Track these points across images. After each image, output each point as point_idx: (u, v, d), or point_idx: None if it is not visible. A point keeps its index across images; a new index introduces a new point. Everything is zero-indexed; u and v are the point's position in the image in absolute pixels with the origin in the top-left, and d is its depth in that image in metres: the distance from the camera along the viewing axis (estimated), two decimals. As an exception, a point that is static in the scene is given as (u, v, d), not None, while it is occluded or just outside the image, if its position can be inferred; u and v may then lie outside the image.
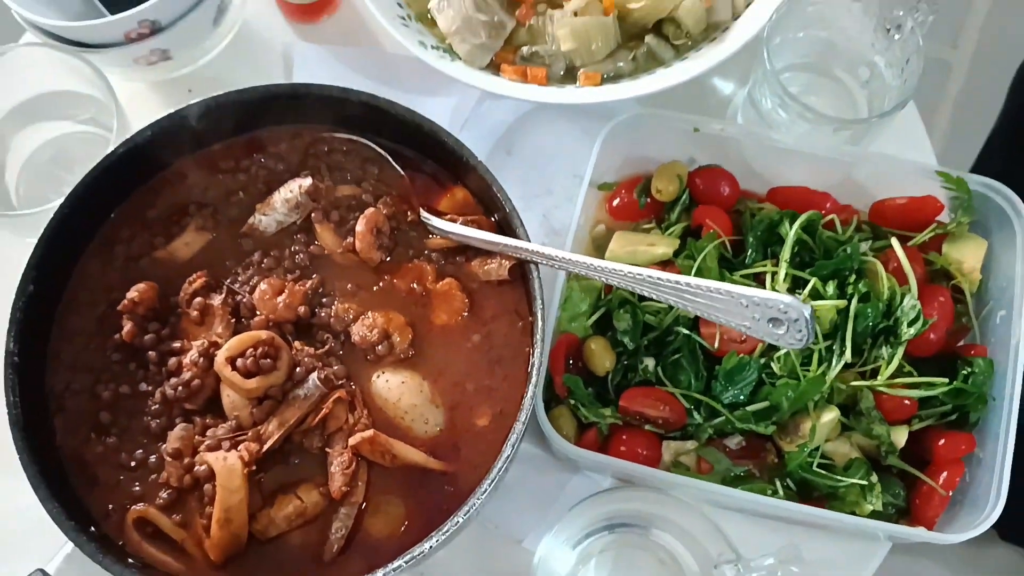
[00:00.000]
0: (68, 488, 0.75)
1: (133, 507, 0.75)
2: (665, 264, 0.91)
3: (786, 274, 0.86)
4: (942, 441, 0.85)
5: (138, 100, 1.00)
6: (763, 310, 0.62)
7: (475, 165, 0.80)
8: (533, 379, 0.74)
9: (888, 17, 0.89)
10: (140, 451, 0.77)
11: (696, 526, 0.82)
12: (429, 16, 0.94)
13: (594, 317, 0.90)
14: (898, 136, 0.97)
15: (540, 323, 0.75)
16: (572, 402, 0.88)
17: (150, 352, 0.78)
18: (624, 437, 0.87)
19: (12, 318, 0.75)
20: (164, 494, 0.75)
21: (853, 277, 0.87)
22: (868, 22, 0.91)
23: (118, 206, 0.84)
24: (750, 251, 0.90)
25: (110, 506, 0.76)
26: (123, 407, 0.78)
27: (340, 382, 0.78)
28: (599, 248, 0.95)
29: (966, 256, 0.90)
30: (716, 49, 0.90)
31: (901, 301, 0.86)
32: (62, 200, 0.77)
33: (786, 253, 0.87)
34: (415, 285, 0.82)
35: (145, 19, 0.87)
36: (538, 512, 0.89)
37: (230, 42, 1.01)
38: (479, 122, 0.99)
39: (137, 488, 0.76)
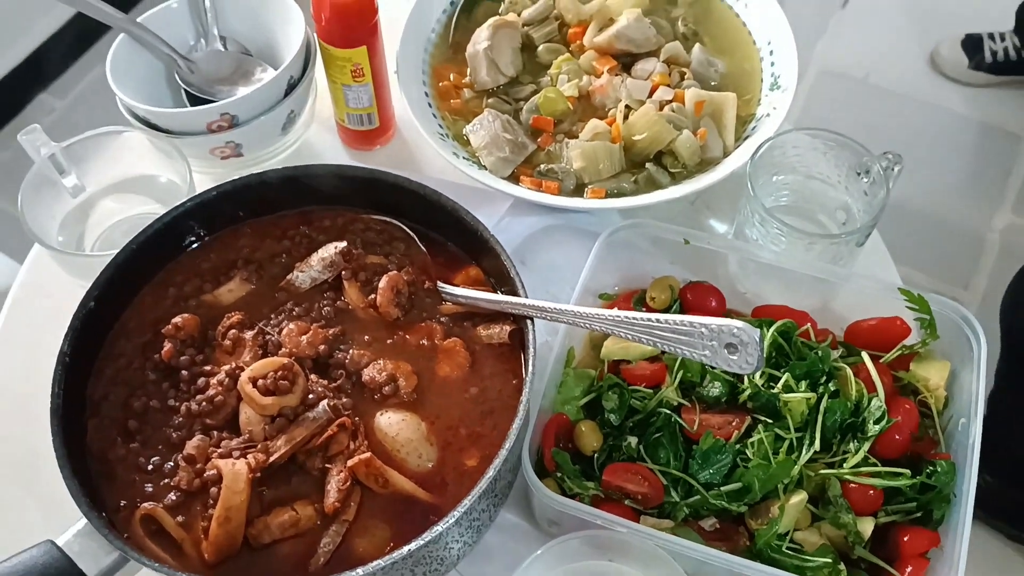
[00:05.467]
0: (88, 478, 0.83)
1: (143, 504, 0.82)
2: (653, 360, 1.00)
3: (762, 372, 0.95)
4: (907, 537, 0.89)
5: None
6: (719, 336, 0.71)
7: (488, 238, 0.92)
8: (520, 412, 0.81)
9: (858, 163, 1.03)
10: (158, 457, 0.85)
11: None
12: (464, 137, 1.11)
13: (585, 400, 0.98)
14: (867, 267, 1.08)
15: (531, 367, 0.84)
16: (559, 475, 0.94)
17: (183, 372, 0.88)
18: (604, 509, 0.92)
19: (70, 326, 0.86)
20: (172, 496, 0.82)
21: (824, 378, 0.94)
22: (842, 168, 1.05)
23: (176, 257, 0.97)
24: (731, 353, 0.98)
25: (122, 502, 0.82)
26: (151, 418, 0.87)
27: (347, 412, 0.86)
28: (595, 347, 1.05)
29: (931, 374, 0.98)
30: (708, 176, 1.04)
31: (869, 403, 0.93)
32: (134, 236, 0.91)
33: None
34: (424, 341, 0.92)
35: (227, 112, 1.04)
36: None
37: (291, 154, 1.17)
38: (499, 234, 1.12)
39: (149, 488, 0.83)
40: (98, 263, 0.97)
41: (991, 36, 2.68)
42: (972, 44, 2.70)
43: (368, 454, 0.82)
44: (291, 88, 1.10)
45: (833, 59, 2.82)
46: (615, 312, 0.79)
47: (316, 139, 1.22)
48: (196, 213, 0.95)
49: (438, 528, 0.76)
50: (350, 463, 0.82)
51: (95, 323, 0.89)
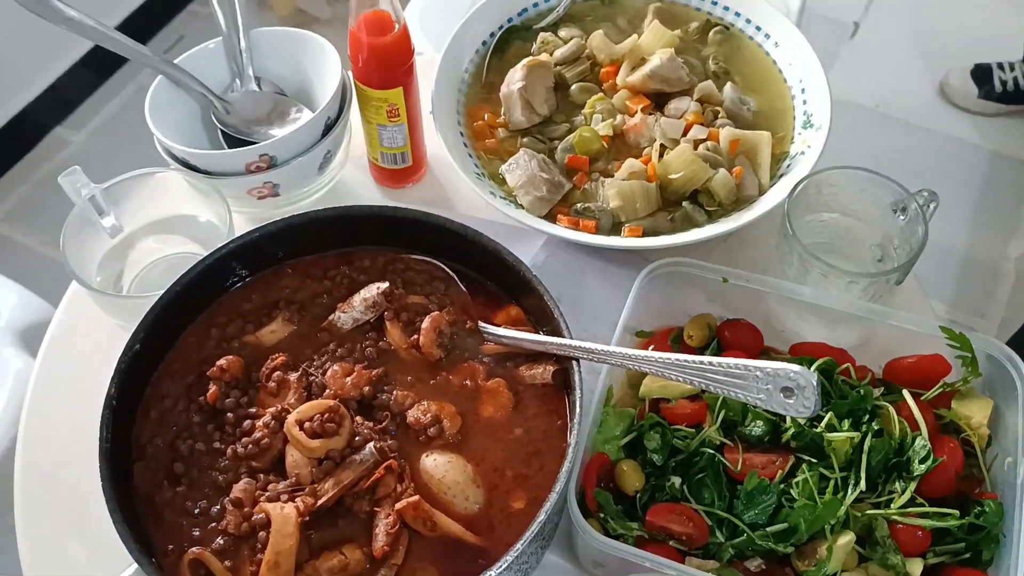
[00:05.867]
0: (136, 522, 0.82)
1: (191, 549, 0.81)
2: (694, 399, 1.00)
3: (805, 410, 0.94)
4: (956, 578, 0.89)
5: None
6: (775, 380, 0.71)
7: (530, 279, 0.92)
8: (569, 454, 0.81)
9: (894, 201, 1.03)
10: (205, 501, 0.85)
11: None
12: (500, 176, 1.11)
13: (626, 439, 0.98)
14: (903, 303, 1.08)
15: (579, 408, 0.84)
16: (602, 515, 0.94)
17: (228, 414, 0.88)
18: (649, 550, 0.92)
19: (116, 368, 0.86)
20: (220, 540, 0.82)
21: (867, 417, 0.94)
22: (878, 206, 1.05)
23: (218, 297, 0.97)
24: (772, 391, 0.98)
25: (170, 546, 0.82)
26: (196, 461, 0.87)
27: (393, 454, 0.86)
28: (634, 386, 1.04)
29: (974, 412, 0.98)
30: (745, 214, 1.05)
31: (913, 442, 0.93)
32: (178, 277, 0.91)
33: (805, 391, 0.95)
34: (467, 381, 0.92)
35: (266, 153, 1.05)
36: (562, 621, 0.92)
37: (326, 193, 1.18)
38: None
39: (197, 533, 0.83)
40: (137, 304, 0.98)
41: (1000, 66, 2.71)
42: (981, 74, 2.72)
43: (416, 497, 0.82)
44: (328, 129, 1.10)
45: (843, 89, 2.84)
46: (665, 355, 0.78)
47: (349, 177, 1.23)
48: (239, 254, 0.95)
49: (491, 573, 0.76)
50: (398, 506, 0.82)
51: (140, 365, 0.89)
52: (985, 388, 0.99)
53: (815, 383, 0.69)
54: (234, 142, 1.13)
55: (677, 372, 0.78)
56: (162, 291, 0.91)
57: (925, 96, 2.84)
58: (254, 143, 1.07)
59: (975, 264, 2.50)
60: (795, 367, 0.70)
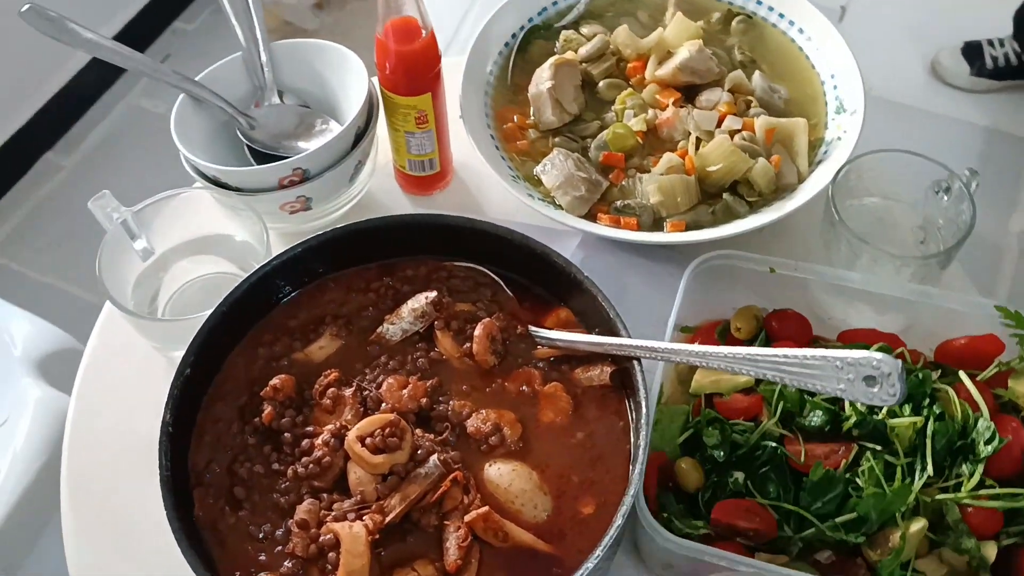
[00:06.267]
0: (202, 549, 0.80)
1: (260, 574, 0.79)
2: (748, 392, 0.99)
3: (862, 397, 0.93)
4: (1031, 558, 0.88)
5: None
6: (856, 369, 0.70)
7: (581, 280, 0.91)
8: (640, 456, 0.80)
9: (937, 181, 1.02)
10: (268, 524, 0.83)
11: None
12: (535, 177, 1.10)
13: (683, 437, 0.96)
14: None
15: (644, 409, 0.82)
16: (665, 515, 0.92)
17: (285, 434, 0.86)
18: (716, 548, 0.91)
19: (170, 394, 0.84)
20: (288, 564, 0.80)
21: (927, 401, 0.93)
22: (919, 187, 1.04)
23: (263, 316, 0.95)
24: (827, 380, 0.97)
25: (237, 573, 0.80)
26: (256, 484, 0.85)
27: (457, 465, 0.84)
28: (683, 383, 1.03)
29: (1032, 390, 0.97)
30: (787, 203, 1.04)
31: (975, 424, 0.92)
32: (223, 298, 0.89)
33: (862, 378, 0.94)
34: (524, 387, 0.90)
35: (299, 167, 1.03)
36: (633, 625, 0.91)
37: (355, 205, 1.16)
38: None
39: (263, 558, 0.81)
40: (176, 326, 0.96)
41: (990, 42, 2.71)
42: (972, 51, 2.73)
43: (486, 508, 0.80)
44: (358, 139, 1.08)
45: (834, 72, 2.84)
46: (735, 349, 0.77)
47: (376, 187, 1.21)
48: (282, 270, 0.93)
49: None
50: (467, 518, 0.80)
51: (192, 390, 0.87)
52: (1041, 365, 0.98)
53: (900, 369, 0.68)
54: (261, 158, 1.11)
55: (749, 366, 0.76)
56: (208, 312, 0.89)
57: (917, 77, 2.84)
58: (282, 157, 1.05)
59: (978, 241, 2.50)
60: (877, 355, 0.69)
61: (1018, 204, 2.58)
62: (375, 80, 1.10)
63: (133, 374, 1.08)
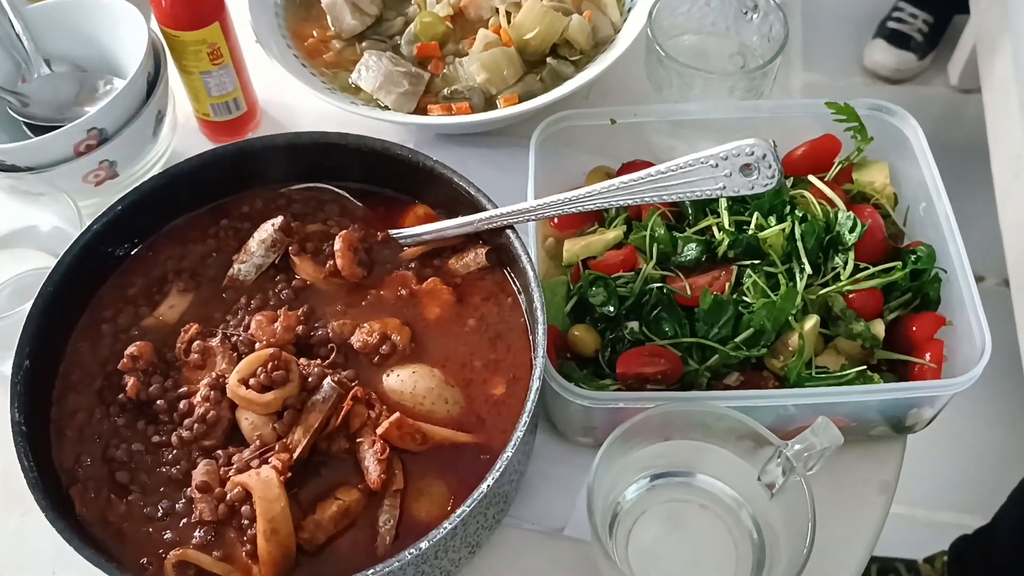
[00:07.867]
0: (98, 547, 0.72)
1: (170, 553, 0.72)
2: (619, 246, 0.98)
3: (729, 219, 0.94)
4: (915, 326, 0.91)
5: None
6: (731, 162, 0.69)
7: (431, 166, 0.86)
8: (540, 318, 0.77)
9: (742, 3, 1.04)
10: (165, 501, 0.75)
11: (730, 445, 0.83)
12: (352, 85, 1.04)
13: (568, 306, 0.94)
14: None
15: (531, 272, 0.79)
16: (573, 383, 0.90)
17: (158, 402, 0.78)
18: (630, 401, 0.89)
19: (12, 392, 0.74)
20: (199, 532, 0.73)
21: (788, 209, 0.95)
22: (730, 16, 1.05)
23: (96, 291, 0.85)
24: (690, 215, 0.97)
25: (143, 559, 0.72)
26: (140, 464, 0.76)
27: (354, 383, 0.79)
28: (553, 257, 1.01)
29: (875, 176, 1.00)
30: (610, 53, 1.03)
31: (836, 218, 0.94)
32: (45, 279, 0.79)
33: (723, 203, 0.95)
34: (401, 291, 0.85)
35: (94, 127, 0.92)
36: (568, 497, 0.88)
37: (163, 165, 1.06)
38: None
39: (168, 535, 0.73)
40: (7, 324, 0.85)
41: (904, 20, 2.51)
42: (899, 37, 2.52)
43: (397, 415, 0.75)
44: (151, 87, 0.99)
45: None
46: (609, 183, 0.75)
47: (181, 147, 1.11)
48: (104, 237, 0.84)
49: (507, 454, 0.71)
50: (380, 430, 0.75)
51: (36, 384, 0.77)
52: (878, 152, 1.02)
53: (773, 148, 0.67)
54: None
55: (627, 195, 0.75)
56: (30, 302, 0.79)
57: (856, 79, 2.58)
58: (73, 126, 0.94)
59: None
60: (749, 140, 0.68)
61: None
62: (155, 25, 1.01)
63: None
